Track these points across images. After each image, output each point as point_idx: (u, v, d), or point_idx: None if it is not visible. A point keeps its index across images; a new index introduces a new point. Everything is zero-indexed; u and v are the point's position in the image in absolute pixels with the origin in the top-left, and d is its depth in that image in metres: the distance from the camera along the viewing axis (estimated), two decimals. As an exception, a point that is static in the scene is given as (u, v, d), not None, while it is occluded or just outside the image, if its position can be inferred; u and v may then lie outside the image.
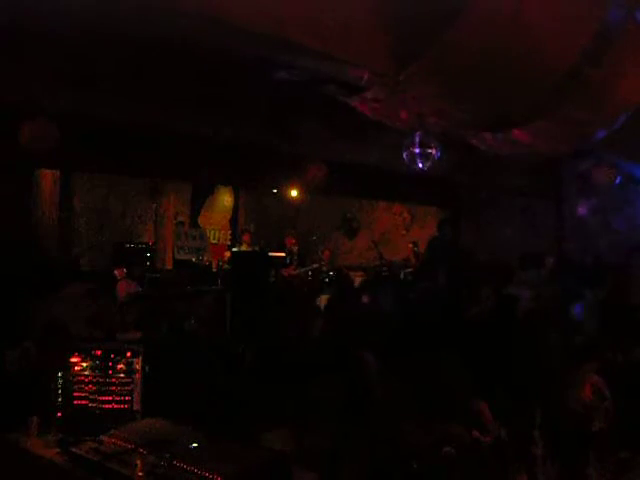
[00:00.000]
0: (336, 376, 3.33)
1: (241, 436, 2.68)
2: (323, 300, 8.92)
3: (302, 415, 3.22)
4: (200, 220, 11.59)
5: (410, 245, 11.38)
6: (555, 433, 2.38)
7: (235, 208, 12.13)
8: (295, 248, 10.46)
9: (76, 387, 2.95)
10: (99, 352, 2.97)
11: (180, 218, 11.24)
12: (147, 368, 2.97)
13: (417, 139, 6.06)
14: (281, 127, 7.11)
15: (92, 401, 2.94)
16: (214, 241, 11.74)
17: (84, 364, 2.96)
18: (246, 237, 10.30)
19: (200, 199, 11.63)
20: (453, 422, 3.02)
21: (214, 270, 10.09)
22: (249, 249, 10.03)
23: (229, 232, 12.05)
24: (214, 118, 6.92)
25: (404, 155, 6.23)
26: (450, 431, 2.93)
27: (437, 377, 3.38)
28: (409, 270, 10.79)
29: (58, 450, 2.67)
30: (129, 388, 2.94)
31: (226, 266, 9.68)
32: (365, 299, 6.37)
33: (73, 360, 2.96)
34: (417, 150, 6.07)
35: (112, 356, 2.96)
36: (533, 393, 3.53)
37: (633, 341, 4.58)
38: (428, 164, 6.14)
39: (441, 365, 3.49)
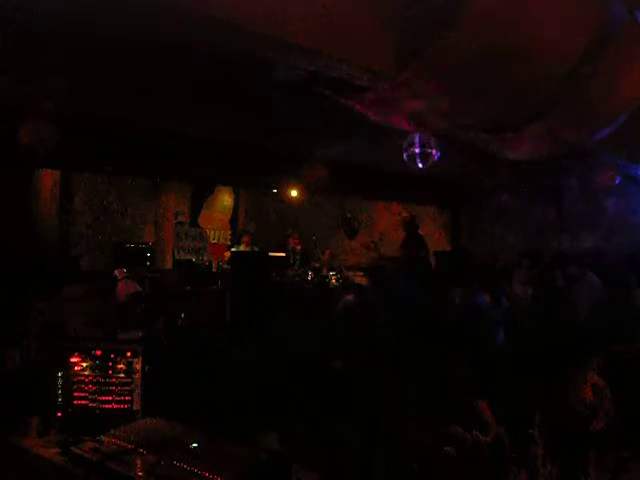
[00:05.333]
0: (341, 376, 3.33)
1: (241, 436, 2.68)
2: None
3: (301, 415, 3.22)
4: (200, 220, 11.58)
5: None
6: (555, 433, 2.38)
7: (235, 208, 12.12)
8: (298, 247, 10.41)
9: (76, 387, 2.95)
10: (99, 352, 2.97)
11: (180, 218, 11.24)
12: (147, 368, 2.97)
13: (417, 139, 6.07)
14: (281, 127, 7.11)
15: (92, 401, 2.94)
16: (214, 241, 11.74)
17: (84, 364, 2.96)
18: (246, 238, 10.31)
19: (200, 199, 11.62)
20: (453, 422, 3.02)
21: (214, 270, 10.09)
22: (247, 249, 10.03)
23: (229, 232, 12.04)
24: (214, 118, 6.92)
25: (404, 155, 6.24)
26: (450, 431, 2.93)
27: (437, 377, 3.38)
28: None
29: (58, 450, 2.67)
30: (129, 388, 2.93)
31: (226, 266, 9.68)
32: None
33: (73, 360, 2.96)
34: (417, 150, 6.08)
35: (112, 356, 2.96)
36: (533, 393, 3.53)
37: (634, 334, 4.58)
38: (428, 164, 6.15)
39: (441, 365, 3.49)
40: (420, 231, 10.46)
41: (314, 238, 11.15)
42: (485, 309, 5.79)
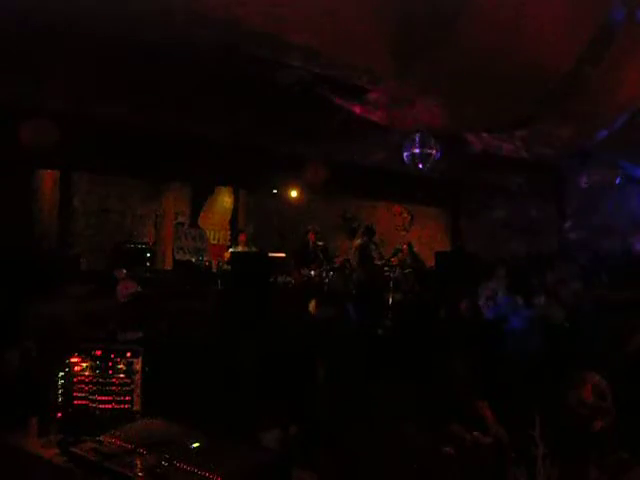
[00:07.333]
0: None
1: (241, 436, 2.68)
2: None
3: (300, 415, 3.22)
4: (200, 220, 11.58)
5: (405, 246, 11.36)
6: (555, 433, 2.38)
7: (235, 209, 12.13)
8: (319, 243, 9.83)
9: (76, 387, 2.94)
10: (99, 352, 2.96)
11: (180, 218, 11.24)
12: (147, 368, 2.96)
13: (417, 140, 6.09)
14: (281, 127, 7.12)
15: (92, 401, 2.93)
16: (214, 241, 11.74)
17: (84, 364, 2.96)
18: (242, 237, 10.28)
19: (200, 199, 11.62)
20: (453, 422, 3.01)
21: (214, 270, 10.08)
22: (245, 249, 10.01)
23: (229, 232, 12.05)
24: (214, 118, 6.92)
25: (404, 156, 6.25)
26: (450, 431, 2.93)
27: (438, 377, 3.38)
28: (408, 270, 10.79)
29: (58, 450, 2.67)
30: (129, 388, 2.93)
31: (226, 266, 9.67)
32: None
33: (73, 360, 2.96)
34: (417, 151, 6.10)
35: (112, 356, 2.95)
36: (533, 393, 3.53)
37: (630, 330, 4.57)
38: (428, 164, 6.17)
39: (442, 365, 3.49)
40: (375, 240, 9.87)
41: (315, 238, 11.13)
42: (515, 311, 5.46)
